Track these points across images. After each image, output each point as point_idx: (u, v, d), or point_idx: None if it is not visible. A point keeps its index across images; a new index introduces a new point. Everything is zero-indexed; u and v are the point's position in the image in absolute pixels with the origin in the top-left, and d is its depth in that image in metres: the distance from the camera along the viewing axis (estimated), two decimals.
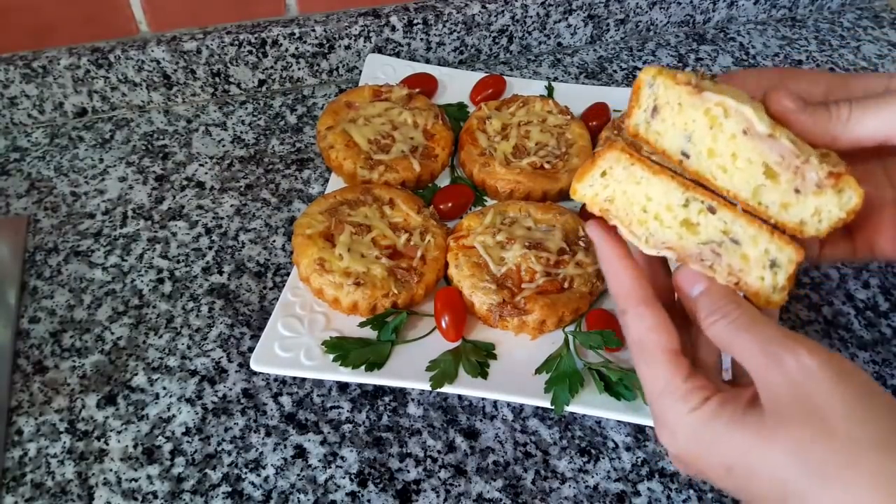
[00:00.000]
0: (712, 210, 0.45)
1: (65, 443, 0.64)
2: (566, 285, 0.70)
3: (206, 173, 0.87)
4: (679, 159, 0.45)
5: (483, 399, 0.67)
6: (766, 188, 0.44)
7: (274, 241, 0.80)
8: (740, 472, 0.41)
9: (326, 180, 0.85)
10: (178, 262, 0.78)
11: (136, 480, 0.62)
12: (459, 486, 0.62)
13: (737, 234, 0.44)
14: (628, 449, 0.65)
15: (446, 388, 0.65)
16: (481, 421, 0.66)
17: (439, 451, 0.64)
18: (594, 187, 0.47)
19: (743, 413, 0.41)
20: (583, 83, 0.99)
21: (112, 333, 0.72)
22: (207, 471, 0.63)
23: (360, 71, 0.96)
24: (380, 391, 0.68)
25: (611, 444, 0.65)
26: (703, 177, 0.45)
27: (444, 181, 0.85)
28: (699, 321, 0.45)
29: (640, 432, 0.65)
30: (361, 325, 0.69)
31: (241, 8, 0.92)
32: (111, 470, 0.63)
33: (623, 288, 0.46)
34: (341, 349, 0.67)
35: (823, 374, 0.39)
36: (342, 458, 0.64)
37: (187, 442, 0.65)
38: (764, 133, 0.43)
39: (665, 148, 0.45)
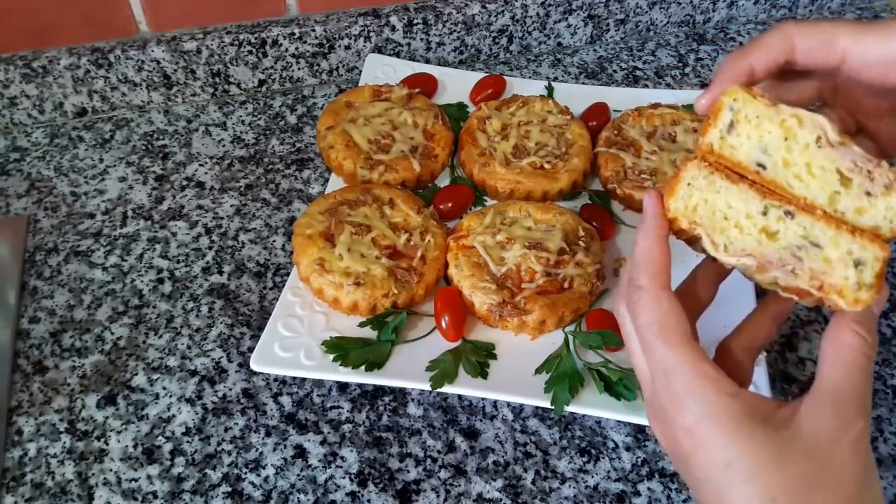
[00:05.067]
0: (791, 215, 0.45)
1: (65, 443, 0.64)
2: (566, 285, 0.70)
3: (206, 173, 0.87)
4: (755, 170, 0.46)
5: (483, 399, 0.67)
6: (841, 195, 0.44)
7: (274, 241, 0.80)
8: (739, 473, 0.41)
9: (326, 180, 0.85)
10: (178, 262, 0.78)
11: (136, 480, 0.62)
12: (459, 486, 0.62)
13: (817, 238, 0.45)
14: (628, 449, 0.65)
15: (446, 388, 0.65)
16: (481, 421, 0.66)
17: (439, 451, 0.64)
18: (682, 199, 0.48)
19: (777, 423, 0.42)
20: (583, 83, 0.99)
21: (112, 333, 0.72)
22: (207, 471, 0.63)
23: (360, 71, 0.96)
24: (380, 391, 0.68)
25: (611, 444, 0.65)
26: (779, 186, 0.46)
27: (444, 181, 0.85)
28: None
29: (640, 432, 0.65)
30: (361, 325, 0.69)
31: (241, 8, 0.92)
32: (111, 470, 0.63)
33: (652, 265, 0.46)
34: (341, 349, 0.67)
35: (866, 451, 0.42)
36: (342, 458, 0.64)
37: (187, 442, 0.65)
38: (836, 141, 0.44)
39: (740, 160, 0.46)
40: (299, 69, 0.97)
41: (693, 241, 0.49)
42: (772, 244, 0.46)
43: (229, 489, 0.62)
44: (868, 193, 0.44)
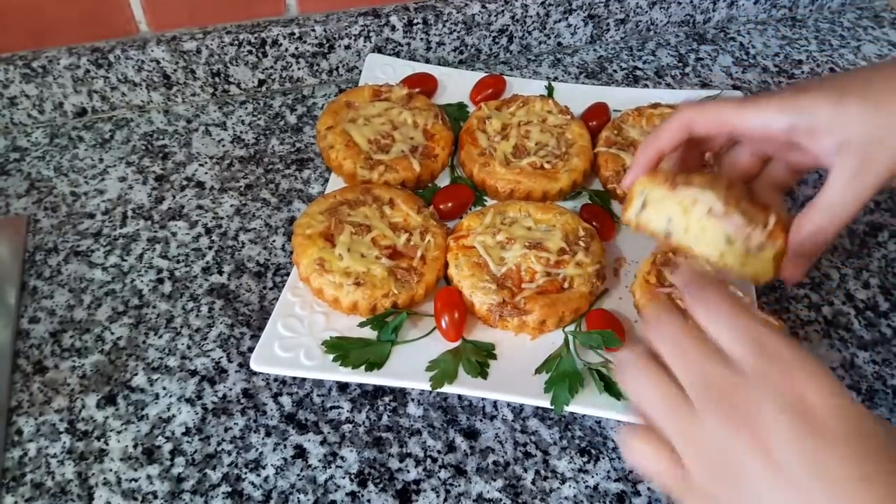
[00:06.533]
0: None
1: (65, 443, 0.64)
2: (566, 285, 0.70)
3: (206, 173, 0.87)
4: (664, 236, 0.58)
5: (483, 399, 0.67)
6: (727, 252, 0.56)
7: (274, 241, 0.80)
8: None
9: (326, 180, 0.85)
10: (178, 262, 0.78)
11: (136, 480, 0.62)
12: (459, 486, 0.62)
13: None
14: None
15: (446, 388, 0.65)
16: (481, 421, 0.66)
17: (439, 451, 0.64)
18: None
19: None
20: (583, 83, 0.99)
21: (112, 333, 0.72)
22: (207, 471, 0.63)
23: (360, 71, 0.96)
24: (380, 391, 0.68)
25: (611, 444, 0.65)
26: (682, 247, 0.57)
27: (444, 181, 0.85)
28: None
29: None
30: (361, 325, 0.69)
31: (241, 8, 0.92)
32: (111, 470, 0.63)
33: None
34: (341, 349, 0.67)
35: None
36: (342, 458, 0.64)
37: (187, 442, 0.65)
38: (721, 212, 0.55)
39: (653, 229, 0.59)
40: (299, 69, 0.97)
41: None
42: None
43: (229, 489, 0.62)
44: (748, 250, 0.56)
